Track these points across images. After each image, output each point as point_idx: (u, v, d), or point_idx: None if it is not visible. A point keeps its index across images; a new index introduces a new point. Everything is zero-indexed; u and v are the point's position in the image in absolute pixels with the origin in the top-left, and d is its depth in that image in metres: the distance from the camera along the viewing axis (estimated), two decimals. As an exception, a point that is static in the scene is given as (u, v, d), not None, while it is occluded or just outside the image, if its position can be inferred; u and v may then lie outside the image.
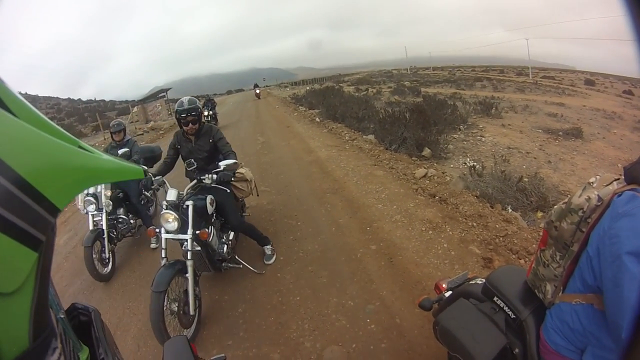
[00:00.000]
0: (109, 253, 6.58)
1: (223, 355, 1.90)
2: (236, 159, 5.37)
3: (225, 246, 5.41)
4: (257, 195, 6.82)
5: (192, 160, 5.41)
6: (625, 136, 20.41)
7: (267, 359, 4.29)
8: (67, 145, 0.80)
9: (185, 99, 5.35)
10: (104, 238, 6.49)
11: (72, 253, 7.87)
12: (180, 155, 5.70)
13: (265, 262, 6.03)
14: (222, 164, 5.22)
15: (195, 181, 5.26)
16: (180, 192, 5.03)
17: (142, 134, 29.54)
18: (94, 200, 6.53)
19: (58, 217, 0.74)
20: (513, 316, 2.51)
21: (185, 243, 4.76)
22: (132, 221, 7.42)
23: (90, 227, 6.55)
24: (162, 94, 46.05)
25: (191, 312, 4.56)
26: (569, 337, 2.07)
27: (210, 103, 22.97)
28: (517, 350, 2.44)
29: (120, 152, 7.14)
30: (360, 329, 4.48)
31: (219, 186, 5.52)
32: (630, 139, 20.24)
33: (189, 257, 4.63)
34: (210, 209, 5.19)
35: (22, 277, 0.65)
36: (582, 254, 2.01)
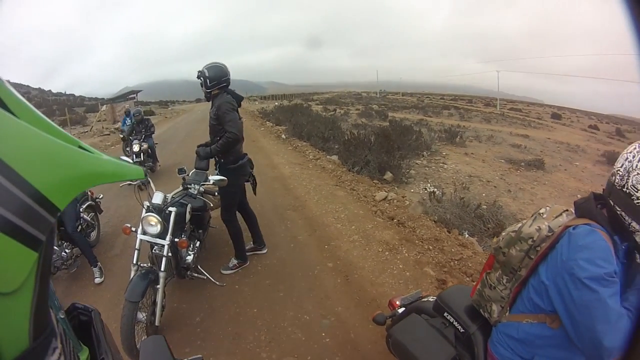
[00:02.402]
0: None
1: (200, 355, 1.95)
2: (231, 139, 5.42)
3: (192, 255, 5.40)
4: None
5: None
6: (587, 168, 20.87)
7: (224, 368, 4.29)
8: (67, 146, 0.80)
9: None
10: None
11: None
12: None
13: (222, 271, 6.06)
14: (212, 178, 5.27)
15: (181, 188, 5.27)
16: (166, 196, 5.01)
17: (109, 134, 29.15)
18: None
19: (58, 216, 0.75)
20: (462, 330, 2.64)
21: (155, 247, 4.76)
22: (66, 251, 6.08)
23: None
24: (132, 96, 45.54)
25: (157, 323, 4.51)
26: (515, 350, 2.23)
27: (142, 127, 13.03)
28: None
29: None
30: (315, 342, 4.54)
31: (201, 197, 5.53)
32: (592, 171, 20.71)
33: (162, 267, 4.59)
34: (187, 217, 5.21)
35: (22, 277, 0.66)
36: (530, 278, 2.18)
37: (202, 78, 5.52)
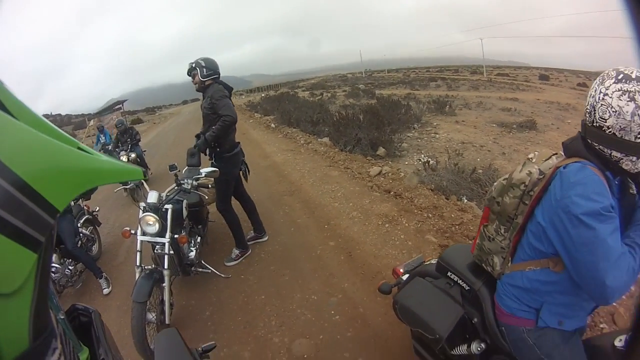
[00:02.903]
0: None
1: (213, 342, 1.95)
2: (227, 122, 5.43)
3: (194, 251, 5.41)
4: None
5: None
6: (579, 125, 20.85)
7: (238, 357, 4.32)
8: (66, 147, 0.82)
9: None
10: None
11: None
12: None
13: (226, 263, 6.08)
14: (204, 171, 5.26)
15: (175, 185, 5.23)
16: (161, 194, 5.00)
17: (101, 150, 29.10)
18: None
19: (57, 218, 0.75)
20: (467, 288, 2.64)
21: (158, 247, 4.76)
22: (70, 268, 6.06)
23: None
24: (118, 106, 45.29)
25: (167, 322, 4.53)
26: (522, 299, 2.24)
27: (127, 136, 12.54)
28: (475, 319, 2.58)
29: None
30: (325, 321, 4.57)
31: (196, 191, 5.54)
32: (585, 126, 20.73)
33: (165, 265, 4.60)
34: (184, 213, 5.23)
35: (22, 278, 0.66)
36: (527, 224, 2.18)
37: (197, 69, 5.54)
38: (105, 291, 6.14)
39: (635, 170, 1.89)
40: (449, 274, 2.81)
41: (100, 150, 12.79)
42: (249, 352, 4.35)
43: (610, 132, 1.85)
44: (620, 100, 1.78)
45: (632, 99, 1.75)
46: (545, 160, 2.22)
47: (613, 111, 1.81)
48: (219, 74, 5.71)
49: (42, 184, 0.69)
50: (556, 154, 2.23)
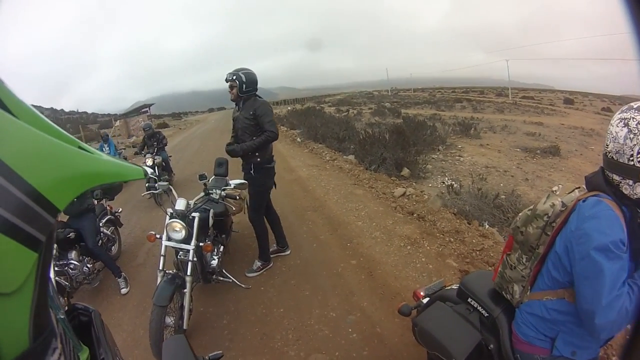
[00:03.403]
0: None
1: (220, 352, 1.99)
2: (270, 138, 5.54)
3: (216, 259, 5.44)
4: (246, 213, 6.74)
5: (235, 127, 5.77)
6: (602, 152, 20.56)
7: (252, 367, 4.33)
8: (67, 146, 0.82)
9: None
10: None
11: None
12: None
13: (247, 274, 6.10)
14: (233, 182, 5.33)
15: (203, 194, 5.35)
16: (189, 202, 5.06)
17: (124, 149, 29.29)
18: None
19: (58, 217, 0.76)
20: (486, 315, 2.67)
21: (181, 253, 4.81)
22: (88, 266, 6.08)
23: None
24: (145, 109, 45.62)
25: (184, 327, 4.55)
26: (539, 328, 2.27)
27: (154, 140, 12.45)
28: (492, 345, 2.60)
29: None
30: (342, 338, 4.57)
31: (222, 202, 5.60)
32: (608, 154, 20.42)
33: (188, 272, 4.64)
34: (210, 222, 5.28)
35: (22, 278, 0.66)
36: (548, 254, 2.22)
37: (237, 82, 5.55)
38: (124, 291, 6.22)
39: (635, 197, 1.94)
40: (469, 299, 2.84)
41: None
42: (264, 364, 4.36)
43: (610, 156, 1.96)
44: (617, 126, 1.89)
45: (626, 125, 1.85)
46: (568, 193, 2.28)
47: (612, 137, 1.92)
48: (257, 89, 5.76)
49: (43, 183, 0.70)
50: (579, 187, 2.28)
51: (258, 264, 6.17)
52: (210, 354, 1.90)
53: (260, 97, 5.76)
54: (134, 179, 1.07)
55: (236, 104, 5.79)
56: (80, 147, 0.89)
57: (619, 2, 1.77)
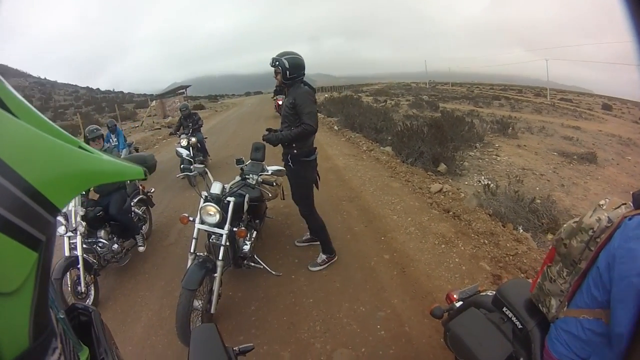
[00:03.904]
0: (85, 286, 5.37)
1: (251, 344, 1.97)
2: (307, 131, 5.30)
3: (249, 245, 5.45)
4: (283, 199, 6.86)
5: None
6: (639, 164, 20.24)
7: (277, 356, 4.36)
8: (67, 146, 0.81)
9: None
10: (78, 267, 5.34)
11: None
12: None
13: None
14: (270, 169, 5.32)
15: (239, 179, 5.33)
16: (225, 186, 5.07)
17: (159, 129, 29.62)
18: (63, 221, 5.43)
19: (58, 216, 0.76)
20: (520, 326, 2.61)
21: (214, 237, 4.85)
22: (117, 244, 6.19)
23: (66, 253, 5.43)
24: (182, 91, 45.98)
25: (212, 311, 4.57)
26: (572, 347, 2.19)
27: (190, 121, 12.46)
28: (521, 359, 2.55)
29: None
30: (370, 334, 4.55)
31: (258, 187, 5.61)
32: (644, 166, 20.07)
33: (220, 256, 4.65)
34: (245, 207, 5.29)
35: (22, 277, 0.66)
36: (590, 271, 2.14)
37: (280, 67, 5.32)
38: (141, 249, 6.60)
39: None
40: (504, 309, 2.79)
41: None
42: (289, 354, 4.39)
43: None
44: None
45: None
46: (615, 208, 2.17)
47: None
48: (304, 74, 5.52)
49: (42, 182, 0.70)
50: (625, 203, 2.18)
51: (323, 257, 6.07)
52: (241, 346, 1.88)
53: (306, 84, 5.51)
54: (134, 179, 1.08)
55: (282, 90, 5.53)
56: (80, 147, 0.88)
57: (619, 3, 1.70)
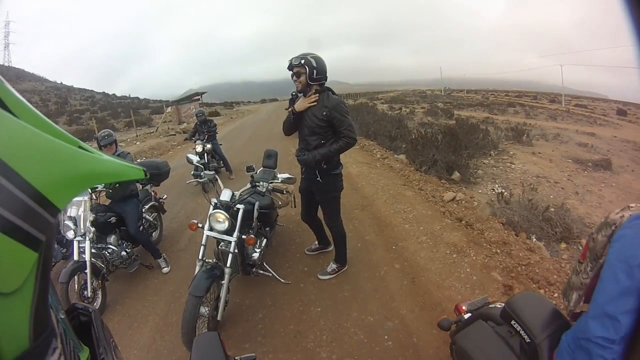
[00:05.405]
0: (92, 290, 5.35)
1: (253, 355, 1.95)
2: (350, 145, 5.09)
3: (258, 252, 5.41)
4: (294, 207, 6.81)
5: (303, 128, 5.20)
6: (655, 169, 20.11)
7: (282, 365, 4.33)
8: (67, 146, 0.83)
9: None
10: (85, 272, 5.29)
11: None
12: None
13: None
14: (281, 176, 5.27)
15: (249, 186, 5.31)
16: (234, 193, 5.03)
17: (174, 135, 29.81)
18: (72, 226, 5.40)
19: (58, 217, 0.75)
20: (528, 340, 2.54)
21: (223, 243, 4.81)
22: (127, 250, 6.17)
23: (75, 257, 5.38)
24: (197, 97, 46.37)
25: (218, 318, 4.57)
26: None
27: (205, 127, 12.45)
28: None
29: None
30: (377, 345, 4.51)
31: (269, 195, 5.57)
32: (660, 173, 19.94)
33: (228, 264, 4.63)
34: (255, 214, 5.23)
35: (22, 277, 0.67)
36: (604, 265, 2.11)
37: (306, 67, 4.80)
38: (165, 270, 6.45)
39: None
40: (512, 322, 2.73)
41: None
42: (294, 362, 4.35)
43: None
44: None
45: None
46: None
47: None
48: (327, 78, 5.05)
49: (43, 182, 0.70)
50: None
51: (333, 266, 5.97)
52: (243, 356, 1.87)
53: (334, 93, 5.14)
54: (134, 179, 1.09)
55: (302, 95, 5.14)
56: (80, 147, 0.90)
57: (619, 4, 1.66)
